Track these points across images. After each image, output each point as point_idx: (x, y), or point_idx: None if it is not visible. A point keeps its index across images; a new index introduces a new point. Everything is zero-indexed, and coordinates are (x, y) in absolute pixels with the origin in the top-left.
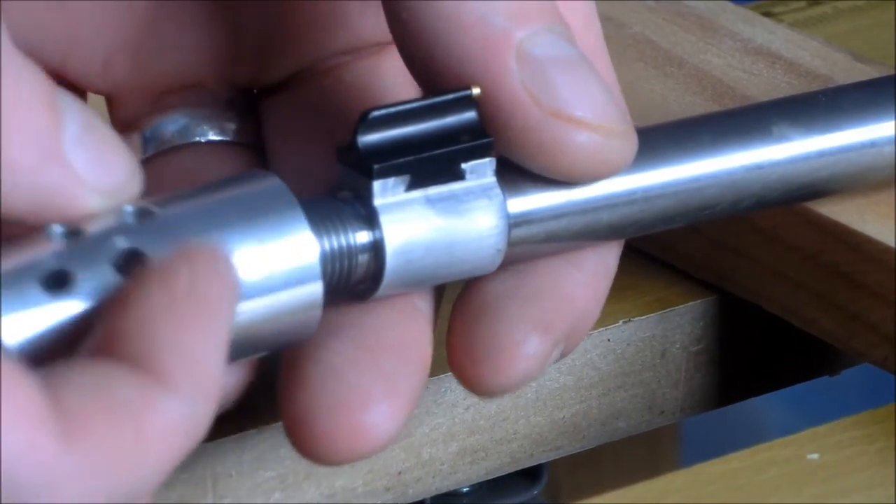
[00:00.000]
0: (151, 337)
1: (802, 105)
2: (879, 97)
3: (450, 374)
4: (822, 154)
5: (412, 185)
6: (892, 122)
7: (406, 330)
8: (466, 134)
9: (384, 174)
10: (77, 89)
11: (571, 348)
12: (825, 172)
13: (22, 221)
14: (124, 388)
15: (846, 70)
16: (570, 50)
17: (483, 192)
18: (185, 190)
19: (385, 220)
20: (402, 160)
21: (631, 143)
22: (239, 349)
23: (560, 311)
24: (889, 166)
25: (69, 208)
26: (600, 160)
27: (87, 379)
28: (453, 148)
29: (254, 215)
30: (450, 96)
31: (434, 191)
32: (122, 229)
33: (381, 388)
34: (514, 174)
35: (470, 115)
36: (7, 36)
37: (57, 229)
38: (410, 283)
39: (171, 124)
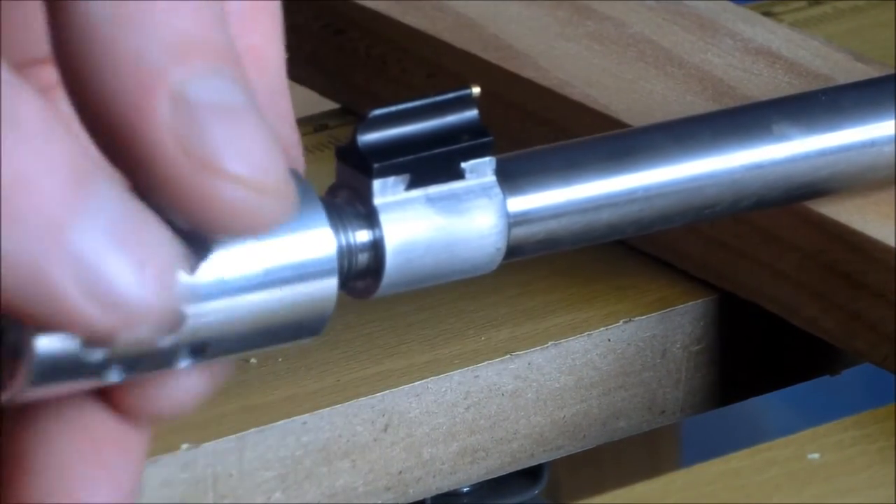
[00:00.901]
0: None
1: (803, 104)
2: (879, 96)
3: (450, 373)
4: (822, 153)
5: (412, 184)
6: (893, 122)
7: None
8: (466, 133)
9: (384, 173)
10: None
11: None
12: (825, 172)
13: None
14: None
15: (847, 70)
16: (235, 97)
17: (483, 191)
18: None
19: (385, 220)
20: (401, 159)
21: (284, 203)
22: (251, 339)
23: None
24: (889, 166)
25: (69, 325)
26: (247, 217)
27: None
28: (453, 147)
29: None
30: (450, 95)
31: (434, 190)
32: None
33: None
34: (515, 173)
35: (470, 114)
36: (28, 87)
37: None
38: (410, 282)
39: None
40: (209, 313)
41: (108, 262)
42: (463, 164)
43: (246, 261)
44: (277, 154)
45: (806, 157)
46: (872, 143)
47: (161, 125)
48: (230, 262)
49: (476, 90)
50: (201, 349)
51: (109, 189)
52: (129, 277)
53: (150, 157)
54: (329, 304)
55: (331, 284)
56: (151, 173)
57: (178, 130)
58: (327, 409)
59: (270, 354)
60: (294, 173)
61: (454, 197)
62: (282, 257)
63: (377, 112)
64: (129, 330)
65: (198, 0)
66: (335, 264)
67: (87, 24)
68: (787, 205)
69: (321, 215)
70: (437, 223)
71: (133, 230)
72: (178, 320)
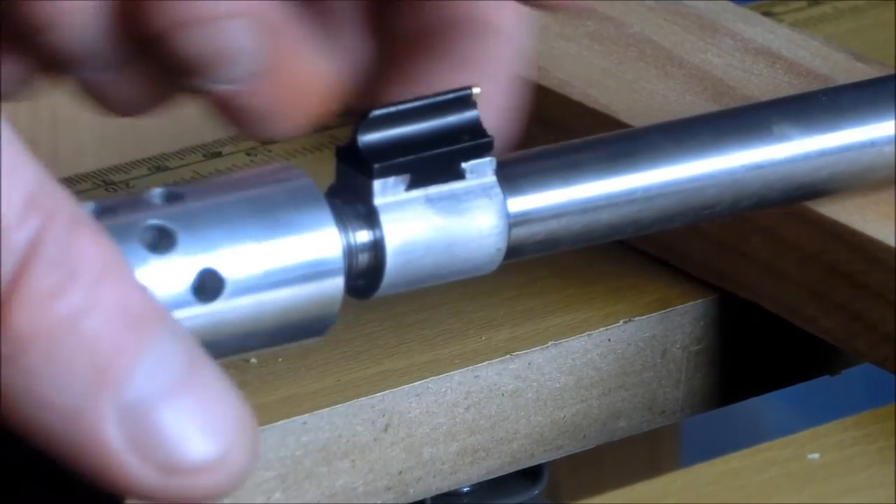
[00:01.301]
0: None
1: (803, 104)
2: (879, 97)
3: (450, 373)
4: (822, 153)
5: (412, 185)
6: (892, 122)
7: None
8: (466, 133)
9: (384, 173)
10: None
11: None
12: (825, 172)
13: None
14: None
15: (846, 70)
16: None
17: (483, 191)
18: (212, 178)
19: (385, 220)
20: (402, 159)
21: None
22: (258, 338)
23: None
24: (889, 166)
25: (119, 485)
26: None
27: None
28: (453, 147)
29: (282, 208)
30: (450, 96)
31: (434, 190)
32: (150, 210)
33: None
34: (515, 174)
35: (470, 114)
36: (89, 223)
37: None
38: (410, 282)
39: None
40: (220, 310)
41: (165, 421)
42: (463, 165)
43: (253, 261)
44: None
45: (806, 157)
46: (872, 144)
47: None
48: (237, 262)
49: (476, 90)
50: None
51: (169, 335)
52: (191, 440)
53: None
54: (335, 304)
55: (337, 284)
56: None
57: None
58: (327, 409)
59: (270, 354)
60: (301, 174)
61: (454, 197)
62: (289, 257)
63: (377, 112)
64: (184, 496)
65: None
66: (342, 264)
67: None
68: (787, 205)
69: (327, 215)
70: (438, 223)
71: (195, 386)
72: (243, 478)
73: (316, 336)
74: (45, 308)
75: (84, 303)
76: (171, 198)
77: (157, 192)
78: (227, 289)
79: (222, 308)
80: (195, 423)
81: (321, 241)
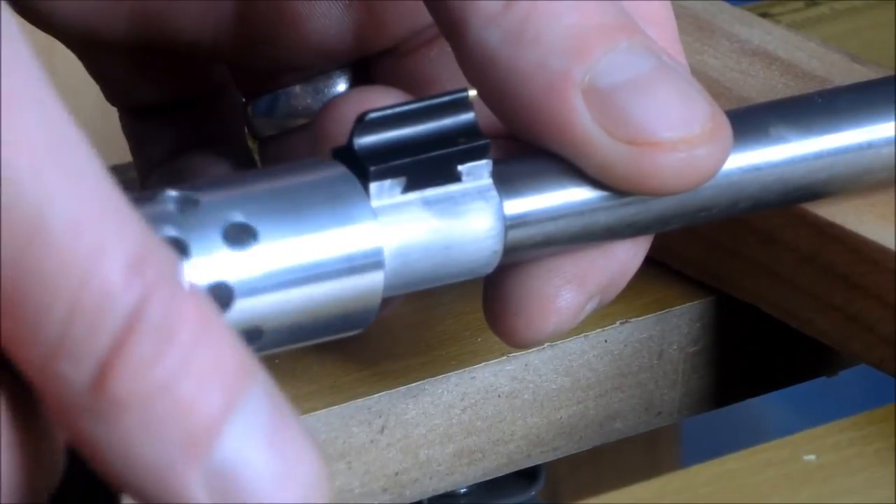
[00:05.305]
0: None
1: (799, 106)
2: (877, 98)
3: (447, 375)
4: (819, 156)
5: (409, 187)
6: (890, 124)
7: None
8: (463, 136)
9: (381, 176)
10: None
11: (608, 300)
12: (822, 174)
13: None
14: None
15: (843, 71)
16: (640, 65)
17: (479, 193)
18: (250, 173)
19: (382, 223)
20: (398, 162)
21: (718, 144)
22: (302, 331)
23: (596, 264)
24: (886, 168)
25: None
26: (688, 173)
27: None
28: (450, 150)
29: (323, 202)
30: (446, 98)
31: (431, 193)
32: (166, 217)
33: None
34: (511, 176)
35: (466, 116)
36: (184, 286)
37: None
38: (407, 285)
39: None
40: (263, 305)
41: (247, 478)
42: (459, 167)
43: (296, 253)
44: (696, 98)
45: (803, 159)
46: (870, 146)
47: (583, 120)
48: (282, 255)
49: (472, 93)
50: (256, 338)
51: (259, 391)
52: (271, 491)
53: (580, 149)
54: (376, 297)
55: (377, 277)
56: (586, 161)
57: (599, 118)
58: (324, 410)
59: (267, 355)
60: (340, 168)
61: (451, 200)
62: (330, 250)
63: (373, 114)
64: None
65: None
66: (382, 257)
67: (484, 51)
68: (784, 207)
69: (368, 209)
70: (434, 226)
71: (278, 444)
72: None
73: (358, 329)
74: (143, 374)
75: (180, 366)
76: (186, 203)
77: (171, 195)
78: (236, 294)
79: (268, 301)
80: (273, 479)
81: (362, 235)
